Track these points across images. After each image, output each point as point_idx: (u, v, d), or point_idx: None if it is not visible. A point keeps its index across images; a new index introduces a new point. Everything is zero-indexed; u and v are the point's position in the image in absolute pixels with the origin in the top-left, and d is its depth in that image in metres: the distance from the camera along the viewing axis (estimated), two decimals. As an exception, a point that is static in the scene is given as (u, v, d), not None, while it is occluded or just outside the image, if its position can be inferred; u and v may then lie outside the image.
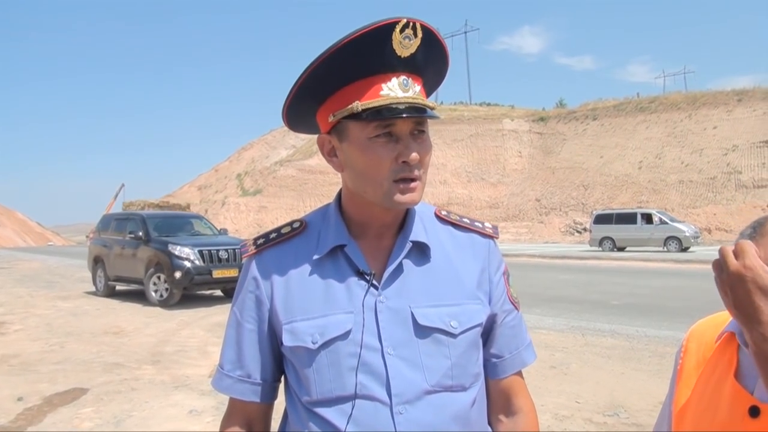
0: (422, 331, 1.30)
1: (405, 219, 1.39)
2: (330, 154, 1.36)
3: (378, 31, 1.20)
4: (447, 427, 1.27)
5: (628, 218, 30.11)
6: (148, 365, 7.48)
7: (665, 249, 28.31)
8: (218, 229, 16.10)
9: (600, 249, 30.07)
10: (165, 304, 12.88)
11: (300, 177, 62.75)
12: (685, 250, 27.96)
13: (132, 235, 14.03)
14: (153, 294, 13.17)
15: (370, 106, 1.23)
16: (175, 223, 15.46)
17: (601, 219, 31.05)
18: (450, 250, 1.40)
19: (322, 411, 1.28)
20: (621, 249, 29.78)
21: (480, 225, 1.47)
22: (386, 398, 1.25)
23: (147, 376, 6.94)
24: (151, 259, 13.38)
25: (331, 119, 1.29)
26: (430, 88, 1.39)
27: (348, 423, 1.25)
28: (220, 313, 11.72)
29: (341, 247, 1.34)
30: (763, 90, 47.16)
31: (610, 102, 56.92)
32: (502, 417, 1.42)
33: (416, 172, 1.27)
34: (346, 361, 1.27)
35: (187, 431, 5.14)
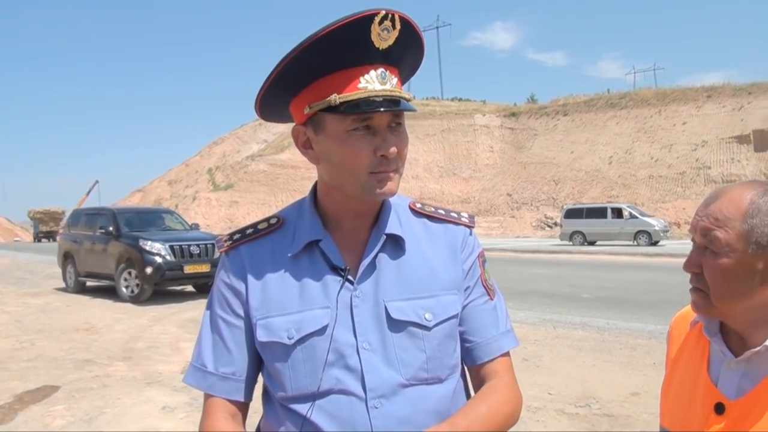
0: (396, 325, 1.30)
1: (380, 212, 1.39)
2: (305, 146, 1.34)
3: (357, 22, 1.18)
4: (424, 420, 1.27)
5: (598, 213, 30.37)
6: (120, 362, 7.42)
7: (635, 243, 28.60)
8: (189, 224, 15.97)
9: (570, 243, 30.32)
10: (136, 300, 12.76)
11: (272, 172, 62.39)
12: (654, 243, 28.29)
13: (102, 231, 13.87)
14: (124, 290, 13.04)
15: (348, 99, 1.22)
16: (146, 218, 15.30)
17: (572, 213, 31.31)
18: (424, 242, 1.40)
19: (297, 407, 1.28)
20: (591, 243, 30.03)
21: (456, 215, 1.46)
22: (361, 393, 1.25)
23: (119, 372, 6.88)
24: (122, 254, 13.24)
25: (306, 111, 1.28)
26: (403, 79, 1.38)
27: (323, 418, 1.25)
28: (192, 309, 11.65)
29: (317, 241, 1.34)
30: (732, 86, 47.72)
31: (581, 98, 57.31)
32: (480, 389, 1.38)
33: (393, 165, 1.27)
34: (322, 357, 1.27)
35: (160, 427, 5.11)
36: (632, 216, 29.37)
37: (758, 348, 1.24)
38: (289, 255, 1.35)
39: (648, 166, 44.98)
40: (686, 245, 1.37)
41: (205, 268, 13.13)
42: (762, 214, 1.22)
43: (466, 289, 1.40)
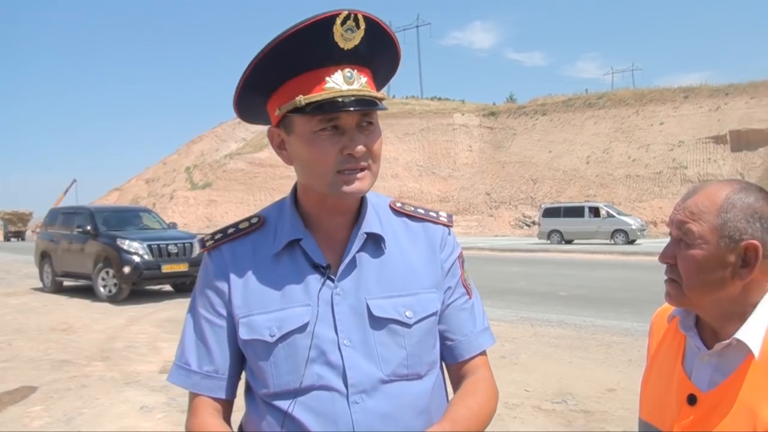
0: (377, 322, 1.32)
1: (360, 211, 1.41)
2: (279, 147, 1.36)
3: (318, 24, 1.20)
4: (404, 415, 1.30)
5: (575, 212, 30.59)
6: (98, 362, 7.38)
7: (612, 242, 28.84)
8: (167, 223, 15.88)
9: (548, 242, 30.52)
10: (114, 299, 12.67)
11: (250, 170, 62.14)
12: (631, 242, 28.53)
13: (80, 230, 13.75)
14: (101, 289, 12.95)
15: (313, 100, 1.23)
16: (124, 217, 15.19)
17: (550, 212, 31.51)
18: (404, 241, 1.42)
19: (280, 403, 1.29)
20: (569, 242, 30.26)
21: (434, 214, 1.49)
22: (343, 388, 1.27)
23: (97, 372, 6.84)
24: (100, 253, 13.14)
25: (277, 113, 1.30)
26: (382, 79, 1.40)
27: (305, 413, 1.27)
28: (170, 309, 11.60)
29: (297, 240, 1.36)
30: (709, 87, 48.20)
31: (560, 98, 57.63)
32: (461, 385, 1.43)
33: (362, 163, 1.28)
34: (304, 354, 1.28)
35: (138, 427, 5.10)
36: (609, 215, 29.59)
37: (728, 341, 1.28)
38: (271, 254, 1.37)
39: (625, 165, 45.32)
40: (663, 244, 1.45)
41: (183, 267, 13.09)
42: (736, 209, 1.27)
43: (447, 290, 1.43)
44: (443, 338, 1.43)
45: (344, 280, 1.34)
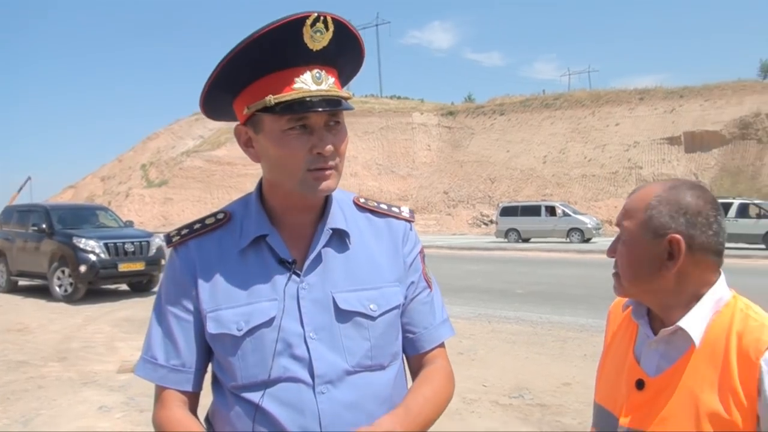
0: (343, 315, 1.37)
1: (325, 207, 1.45)
2: (247, 145, 1.40)
3: (288, 25, 1.24)
4: (367, 404, 1.35)
5: (532, 210, 30.83)
6: (55, 362, 7.29)
7: (568, 240, 29.19)
8: (124, 221, 15.70)
9: (506, 240, 30.68)
10: (70, 299, 12.48)
11: (207, 168, 61.43)
12: (587, 241, 28.89)
13: (35, 228, 13.49)
14: (57, 289, 12.75)
15: (283, 100, 1.27)
16: (80, 215, 14.94)
17: (507, 211, 31.67)
18: (368, 236, 1.47)
19: (249, 395, 1.33)
20: (526, 240, 30.49)
21: (397, 210, 1.54)
22: (309, 379, 1.32)
23: (54, 373, 6.77)
24: (55, 252, 12.93)
25: (245, 112, 1.33)
26: (345, 78, 1.44)
27: (274, 404, 1.31)
28: (127, 308, 11.48)
29: (264, 236, 1.39)
30: (664, 90, 48.92)
31: (517, 98, 57.98)
32: (418, 375, 1.49)
33: (331, 162, 1.32)
34: (271, 347, 1.32)
35: (96, 427, 5.07)
36: (565, 214, 29.92)
37: (671, 328, 1.37)
38: (237, 250, 1.40)
39: (581, 165, 45.85)
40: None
41: (139, 266, 12.97)
42: (661, 206, 1.37)
43: (410, 284, 1.49)
44: (405, 331, 1.49)
45: (310, 274, 1.38)
